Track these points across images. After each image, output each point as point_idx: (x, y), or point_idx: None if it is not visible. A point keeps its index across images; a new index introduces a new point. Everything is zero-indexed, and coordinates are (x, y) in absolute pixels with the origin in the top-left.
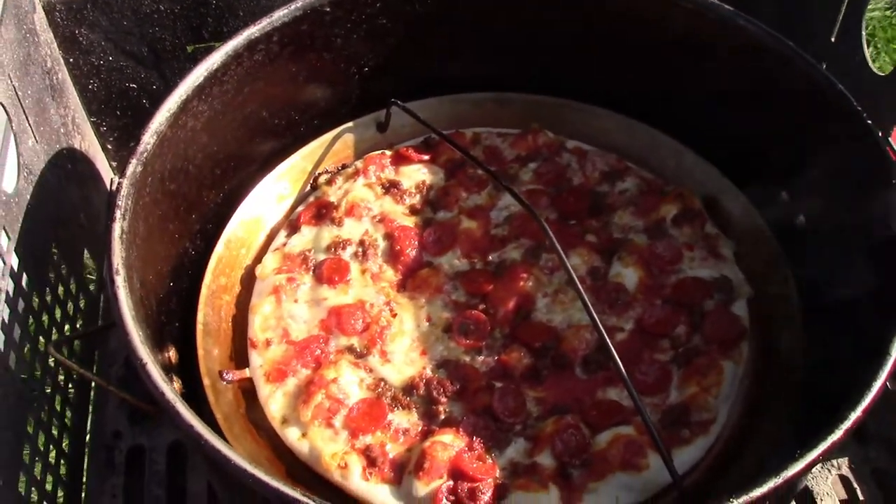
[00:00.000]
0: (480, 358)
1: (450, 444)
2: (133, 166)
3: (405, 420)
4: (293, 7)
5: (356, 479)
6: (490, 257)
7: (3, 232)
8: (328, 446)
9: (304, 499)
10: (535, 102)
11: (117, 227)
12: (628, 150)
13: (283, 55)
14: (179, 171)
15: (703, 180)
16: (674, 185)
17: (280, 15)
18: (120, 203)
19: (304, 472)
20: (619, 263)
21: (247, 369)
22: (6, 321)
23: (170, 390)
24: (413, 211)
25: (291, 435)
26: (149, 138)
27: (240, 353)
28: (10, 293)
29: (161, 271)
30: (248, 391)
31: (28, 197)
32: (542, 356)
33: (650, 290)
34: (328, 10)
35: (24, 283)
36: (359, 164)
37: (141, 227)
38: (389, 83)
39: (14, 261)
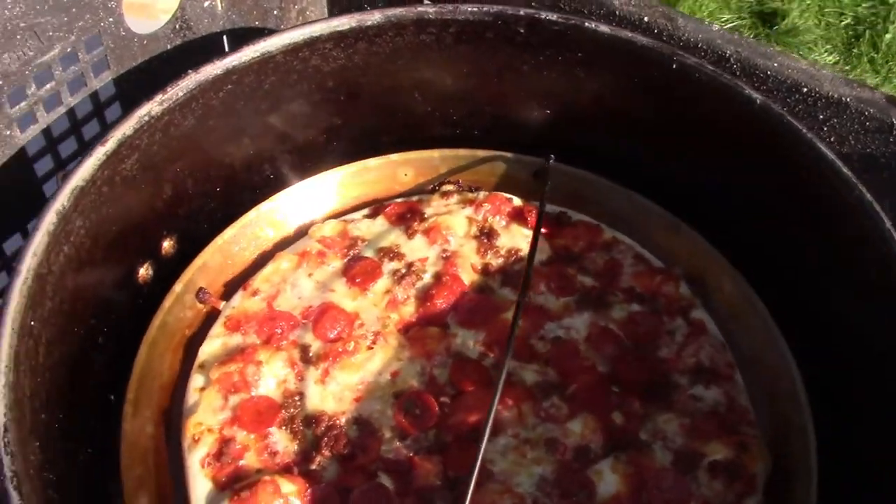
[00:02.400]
0: (397, 443)
1: (285, 494)
2: None
3: (283, 443)
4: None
5: (195, 458)
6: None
7: None
8: (205, 414)
9: None
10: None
11: None
12: None
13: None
14: None
15: None
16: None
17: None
18: None
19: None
20: (608, 462)
21: (223, 303)
22: None
23: None
24: (482, 271)
25: (195, 381)
26: None
27: (234, 287)
28: None
29: None
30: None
31: None
32: (450, 488)
33: None
34: None
35: None
36: (482, 195)
37: None
38: (566, 136)
39: None
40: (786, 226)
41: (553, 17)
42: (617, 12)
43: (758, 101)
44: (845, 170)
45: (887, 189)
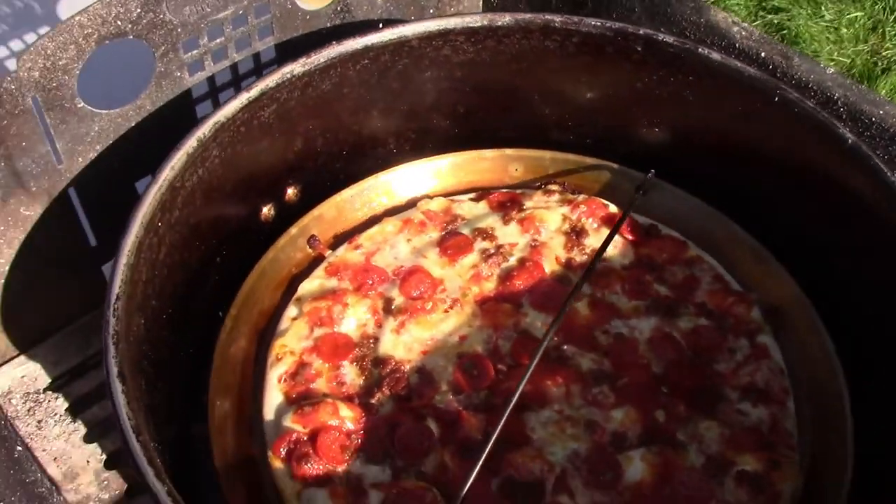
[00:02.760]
0: (450, 397)
1: (341, 415)
2: None
3: (351, 376)
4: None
5: (275, 373)
6: (565, 346)
7: None
8: (291, 339)
9: None
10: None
11: None
12: None
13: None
14: None
15: None
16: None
17: None
18: None
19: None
20: (640, 452)
21: (329, 251)
22: None
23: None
24: (565, 264)
25: (290, 311)
26: None
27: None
28: None
29: None
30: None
31: None
32: (491, 456)
33: (646, 496)
34: None
35: None
36: (582, 198)
37: None
38: (670, 155)
39: None
40: (862, 268)
41: (669, 39)
42: (737, 45)
43: (849, 141)
44: None
45: None
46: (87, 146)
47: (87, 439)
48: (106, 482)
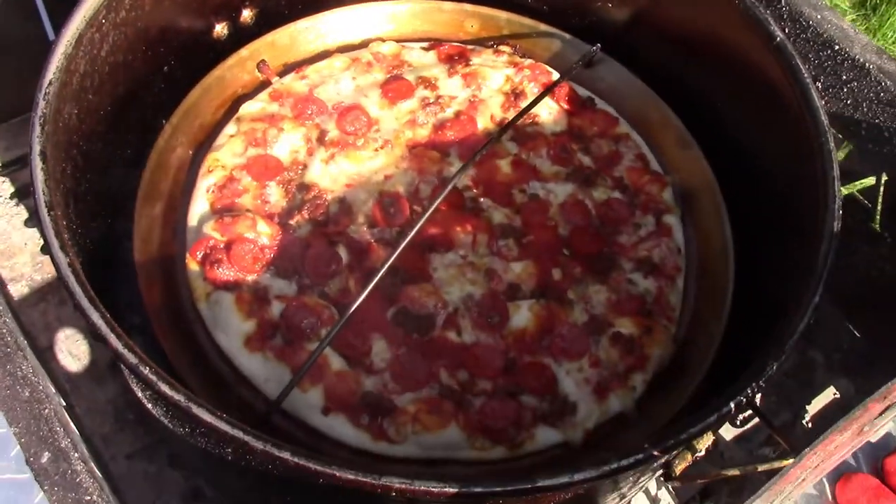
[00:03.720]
0: (365, 229)
1: (258, 230)
2: None
3: (275, 197)
4: None
5: (204, 183)
6: (482, 199)
7: None
8: (225, 154)
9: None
10: None
11: None
12: None
13: None
14: None
15: None
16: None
17: None
18: None
19: None
20: (530, 303)
21: (276, 77)
22: None
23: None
24: (498, 123)
25: (228, 128)
26: None
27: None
28: None
29: None
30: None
31: None
32: (390, 285)
33: (526, 342)
34: None
35: None
36: (528, 62)
37: None
38: (622, 33)
39: None
40: (772, 163)
41: None
42: None
43: (778, 38)
44: (823, 116)
45: (884, 163)
46: None
47: (28, 224)
48: (40, 265)
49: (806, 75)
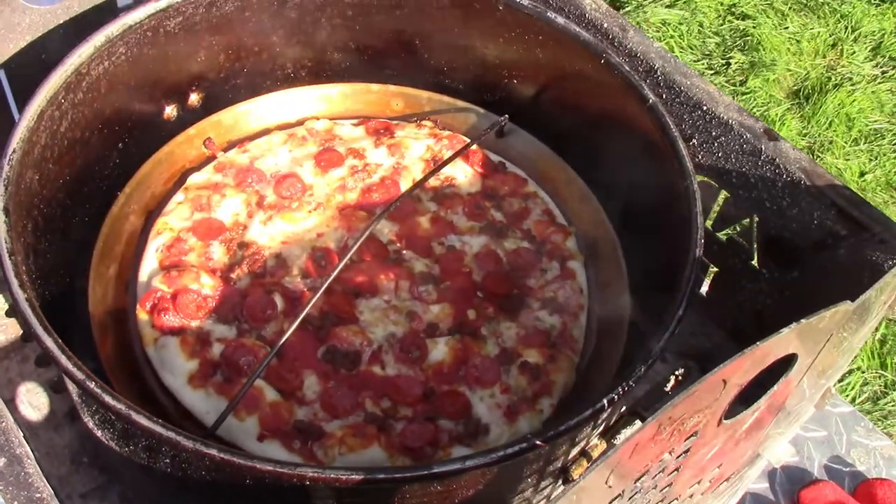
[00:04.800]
0: (298, 280)
1: (202, 281)
2: None
3: (218, 254)
4: None
5: (153, 244)
6: (404, 251)
7: None
8: (173, 218)
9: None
10: None
11: None
12: None
13: None
14: None
15: None
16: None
17: None
18: None
19: None
20: (446, 339)
21: (221, 152)
22: None
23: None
24: (425, 189)
25: (177, 196)
26: None
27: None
28: None
29: None
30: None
31: None
32: (320, 327)
33: (444, 373)
34: None
35: None
36: (446, 133)
37: None
38: (526, 104)
39: None
40: (658, 211)
41: (524, 2)
42: (586, 15)
43: (650, 100)
44: (688, 162)
45: (754, 206)
46: (18, 35)
47: None
48: (4, 326)
49: (674, 129)
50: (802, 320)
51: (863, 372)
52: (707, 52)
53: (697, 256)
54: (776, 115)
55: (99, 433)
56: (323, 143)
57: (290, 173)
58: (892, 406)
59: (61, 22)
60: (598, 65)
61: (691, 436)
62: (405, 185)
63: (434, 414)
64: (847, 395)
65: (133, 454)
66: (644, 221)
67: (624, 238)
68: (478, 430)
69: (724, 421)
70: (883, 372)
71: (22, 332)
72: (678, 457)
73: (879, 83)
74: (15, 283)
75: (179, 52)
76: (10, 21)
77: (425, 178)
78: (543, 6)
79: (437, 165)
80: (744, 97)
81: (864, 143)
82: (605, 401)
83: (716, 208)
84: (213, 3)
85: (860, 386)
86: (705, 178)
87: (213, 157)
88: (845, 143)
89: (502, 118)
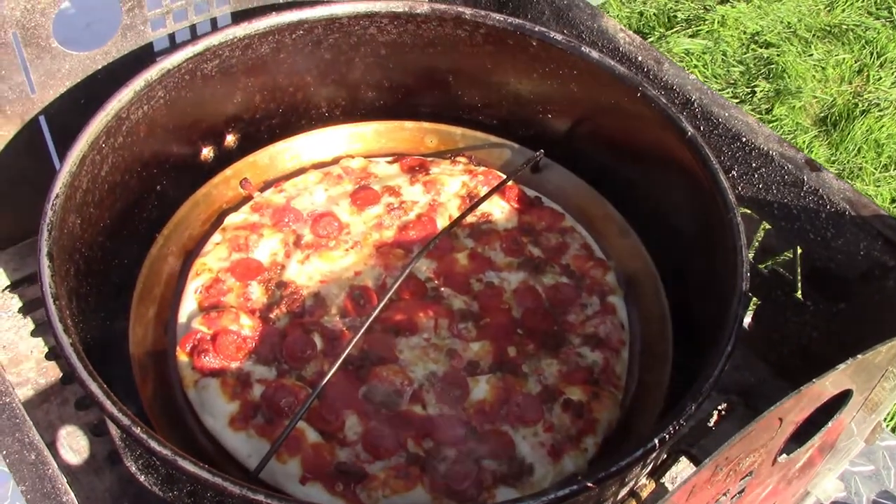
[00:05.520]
0: (337, 319)
1: (241, 322)
2: None
3: (256, 294)
4: None
5: (192, 285)
6: (442, 288)
7: None
8: (212, 259)
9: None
10: None
11: None
12: None
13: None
14: None
15: None
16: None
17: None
18: None
19: None
20: (487, 377)
21: (257, 192)
22: None
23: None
24: (461, 225)
25: (214, 237)
26: None
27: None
28: None
29: None
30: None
31: None
32: (360, 367)
33: (486, 412)
34: None
35: None
36: (482, 169)
37: None
38: (561, 139)
39: None
40: (697, 244)
41: (558, 37)
42: (620, 48)
43: (689, 133)
44: (730, 194)
45: (797, 237)
46: (58, 81)
47: (34, 334)
48: (45, 369)
49: (714, 161)
50: (859, 356)
51: None
52: (732, 81)
53: (745, 290)
54: (804, 142)
55: (141, 478)
56: (358, 181)
57: (326, 212)
58: None
59: (100, 67)
60: (634, 98)
61: (746, 475)
62: (442, 221)
63: (477, 454)
64: (888, 425)
65: (177, 499)
66: (685, 257)
67: (664, 271)
68: (522, 469)
69: (779, 459)
70: None
71: (62, 374)
72: (733, 498)
73: None
74: (59, 327)
75: (216, 94)
76: (50, 68)
77: (463, 216)
78: (577, 41)
79: (474, 202)
80: (770, 125)
81: (894, 168)
82: (656, 440)
83: (756, 240)
84: (250, 45)
85: None
86: (746, 210)
87: (249, 198)
88: (875, 169)
89: (538, 153)
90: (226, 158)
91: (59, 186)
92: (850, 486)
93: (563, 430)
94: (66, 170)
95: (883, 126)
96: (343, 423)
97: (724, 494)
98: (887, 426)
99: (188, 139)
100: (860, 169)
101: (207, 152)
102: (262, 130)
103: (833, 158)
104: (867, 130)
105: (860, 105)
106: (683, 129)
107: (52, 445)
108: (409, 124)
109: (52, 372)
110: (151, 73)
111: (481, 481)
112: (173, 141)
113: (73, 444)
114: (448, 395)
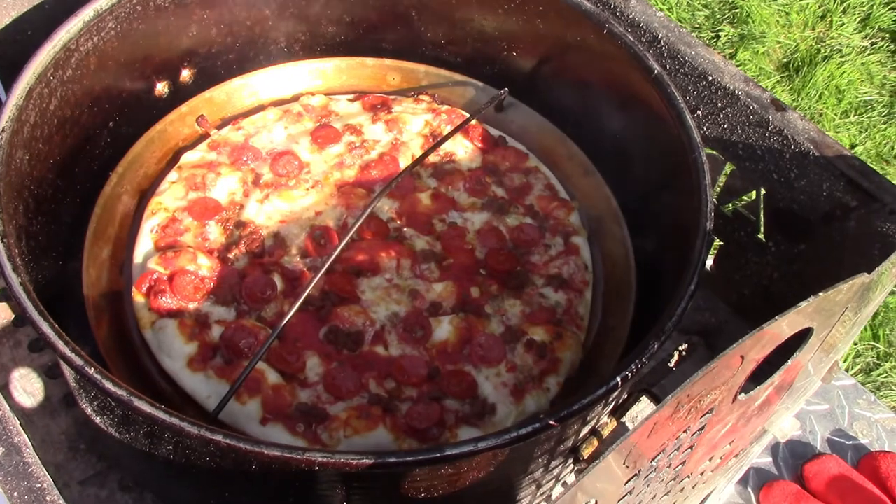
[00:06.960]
0: (297, 259)
1: (199, 262)
2: None
3: (215, 235)
4: None
5: (148, 224)
6: (405, 228)
7: None
8: (168, 198)
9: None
10: None
11: None
12: None
13: None
14: None
15: None
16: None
17: None
18: None
19: None
20: (450, 317)
21: (214, 130)
22: None
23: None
24: (424, 165)
25: (170, 175)
26: None
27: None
28: None
29: None
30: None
31: None
32: (321, 308)
33: (448, 352)
34: None
35: None
36: (445, 108)
37: None
38: (525, 77)
39: None
40: (662, 186)
41: None
42: None
43: (655, 71)
44: (695, 134)
45: (761, 178)
46: (3, 11)
47: None
48: None
49: (680, 100)
50: (821, 293)
51: (855, 344)
52: (697, 25)
53: (708, 230)
54: (766, 87)
55: (97, 419)
56: (319, 119)
57: (286, 150)
58: (885, 377)
59: None
60: (600, 35)
61: (707, 413)
62: (404, 161)
63: (439, 394)
64: (841, 367)
65: (133, 441)
66: (649, 197)
67: (628, 213)
68: (484, 409)
69: (739, 397)
70: (875, 343)
71: (14, 316)
72: (693, 434)
73: (869, 55)
74: (8, 266)
75: (170, 26)
76: None
77: (426, 155)
78: None
79: (437, 141)
80: None
81: (854, 115)
82: (618, 378)
83: (719, 182)
84: None
85: (853, 358)
86: (711, 151)
87: (206, 135)
88: (835, 115)
89: (502, 91)
90: (181, 95)
91: (4, 120)
92: (805, 425)
93: (526, 371)
94: (13, 103)
95: (844, 72)
96: (304, 364)
97: (685, 431)
98: (842, 366)
99: (141, 74)
100: (821, 115)
101: (162, 88)
102: (218, 66)
103: (795, 104)
104: (829, 76)
105: (822, 51)
106: (650, 68)
107: (4, 388)
108: (370, 61)
109: (4, 313)
110: (101, 2)
111: (444, 421)
112: (126, 75)
113: (27, 387)
114: (410, 336)
